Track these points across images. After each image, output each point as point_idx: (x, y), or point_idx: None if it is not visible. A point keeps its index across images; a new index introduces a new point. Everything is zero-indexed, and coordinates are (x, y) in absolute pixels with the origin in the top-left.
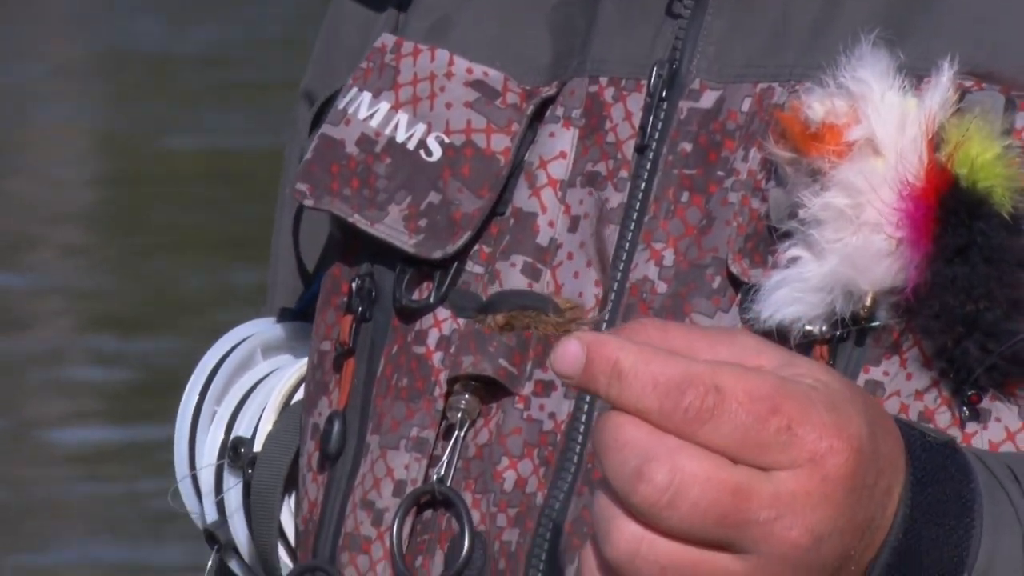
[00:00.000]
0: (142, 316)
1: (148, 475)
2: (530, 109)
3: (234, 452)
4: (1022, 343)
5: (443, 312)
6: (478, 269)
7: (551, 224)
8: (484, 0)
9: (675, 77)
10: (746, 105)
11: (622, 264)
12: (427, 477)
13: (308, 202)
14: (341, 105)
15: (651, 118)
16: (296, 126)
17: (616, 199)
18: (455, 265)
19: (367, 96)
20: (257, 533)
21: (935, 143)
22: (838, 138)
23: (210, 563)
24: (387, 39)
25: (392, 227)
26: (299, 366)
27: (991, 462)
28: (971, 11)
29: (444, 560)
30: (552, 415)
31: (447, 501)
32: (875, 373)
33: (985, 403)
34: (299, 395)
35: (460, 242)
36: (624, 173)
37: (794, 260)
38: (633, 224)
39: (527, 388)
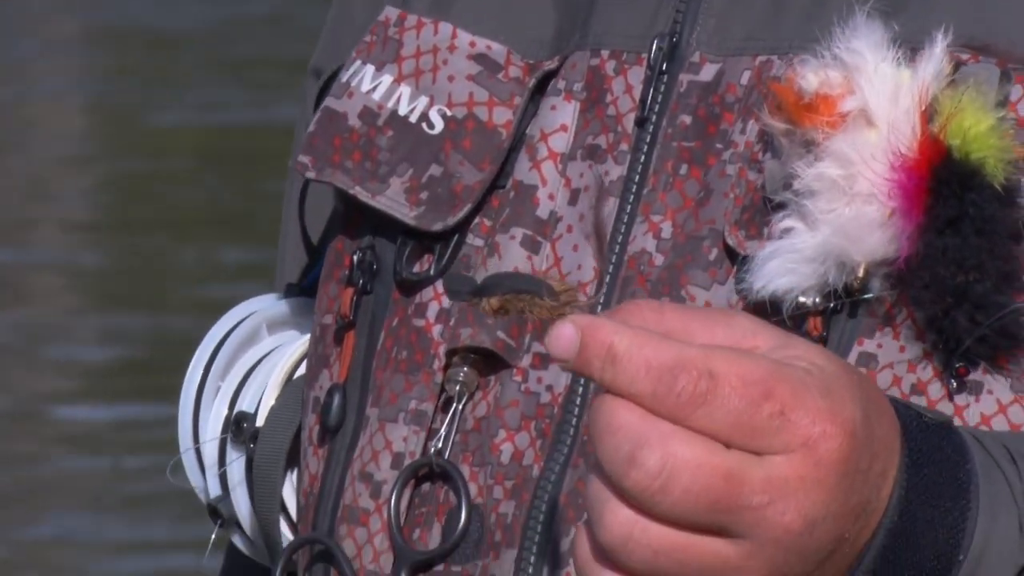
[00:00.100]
0: (133, 293)
1: (135, 452)
2: (532, 82)
3: (236, 427)
4: (1011, 316)
5: (443, 285)
6: (478, 242)
7: (551, 197)
8: None
9: (675, 50)
10: (745, 78)
11: (620, 237)
12: (425, 450)
13: (310, 174)
14: (344, 78)
15: (651, 91)
16: (305, 102)
17: (616, 172)
18: (456, 238)
19: (370, 69)
20: (259, 507)
21: (928, 114)
22: (832, 109)
23: (213, 537)
24: (391, 12)
25: (393, 199)
26: (303, 341)
27: (988, 442)
28: None
29: (441, 532)
30: (549, 387)
31: (445, 474)
32: (869, 345)
33: (977, 376)
34: (302, 370)
35: (460, 214)
36: (624, 146)
37: (787, 231)
38: (632, 197)
39: (525, 361)
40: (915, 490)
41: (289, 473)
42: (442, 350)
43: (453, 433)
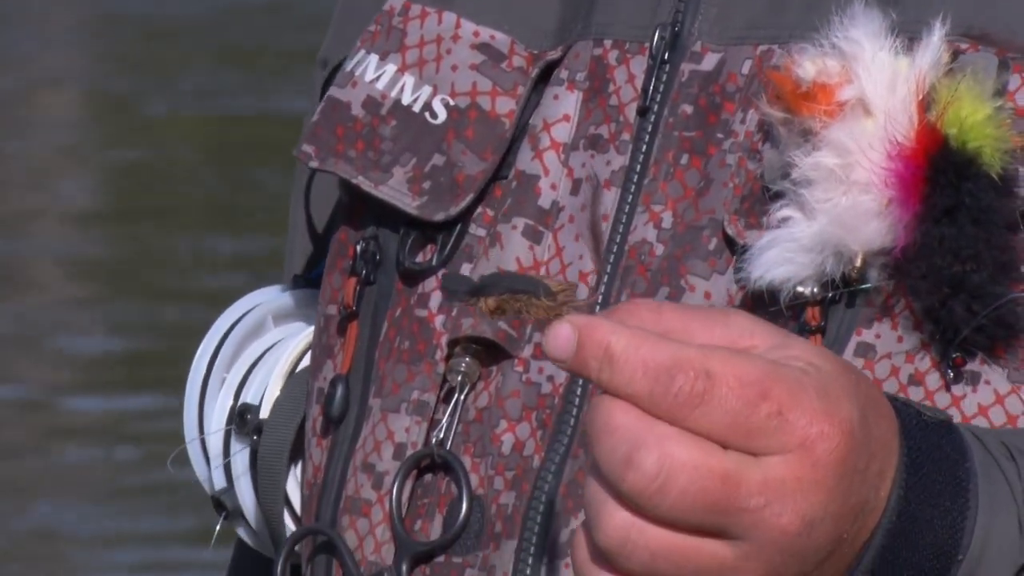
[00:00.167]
0: (132, 283)
1: (129, 443)
2: (535, 72)
3: (240, 419)
4: (1007, 305)
5: (440, 284)
6: (481, 232)
7: (553, 187)
8: None
9: (677, 39)
10: (746, 67)
11: (621, 227)
12: (427, 440)
13: (313, 164)
14: (349, 67)
15: (653, 81)
16: (313, 92)
17: (618, 162)
18: (458, 227)
19: (374, 58)
20: (263, 500)
21: (926, 103)
22: (829, 98)
23: (217, 529)
24: (395, 2)
25: (396, 189)
26: (307, 332)
27: (988, 440)
28: None
29: (443, 523)
30: (550, 378)
31: (446, 465)
32: (867, 335)
33: (975, 366)
34: (306, 361)
35: (462, 204)
36: (626, 136)
37: (785, 220)
38: (634, 187)
39: (526, 351)
40: (914, 490)
41: (293, 465)
42: (444, 340)
43: (455, 424)
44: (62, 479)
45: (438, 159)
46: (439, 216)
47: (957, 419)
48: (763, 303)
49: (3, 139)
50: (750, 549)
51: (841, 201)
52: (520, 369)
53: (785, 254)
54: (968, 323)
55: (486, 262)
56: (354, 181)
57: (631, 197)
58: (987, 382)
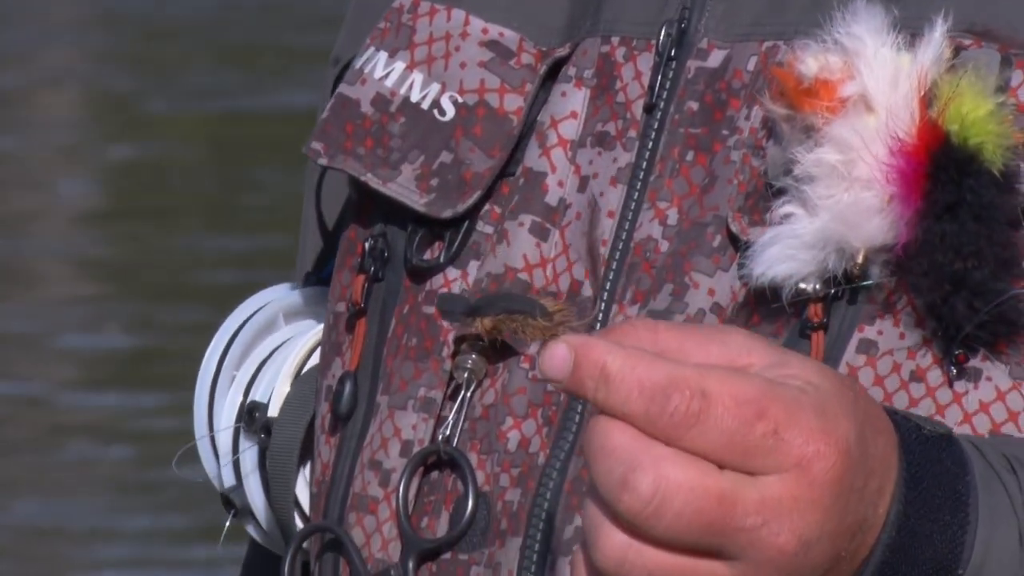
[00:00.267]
0: (131, 280)
1: (122, 441)
2: (543, 69)
3: (249, 417)
4: (1009, 302)
5: (453, 272)
6: (488, 229)
7: (560, 184)
8: None
9: (684, 36)
10: (751, 64)
11: (627, 224)
12: (434, 437)
13: (322, 161)
14: (358, 64)
15: (659, 77)
16: (325, 90)
17: (624, 159)
18: (465, 225)
19: (383, 55)
20: (274, 497)
21: (927, 100)
22: (831, 94)
23: (226, 526)
24: None
25: (404, 186)
26: (317, 331)
27: (988, 451)
28: None
29: (449, 520)
30: None
31: (452, 462)
32: (869, 332)
33: (976, 363)
34: (315, 359)
35: (470, 201)
36: (633, 133)
37: (787, 217)
38: (639, 183)
39: (533, 348)
40: (913, 505)
41: (302, 463)
42: (451, 337)
43: (461, 420)
44: (57, 476)
45: (446, 156)
46: (447, 213)
47: (959, 416)
48: (766, 300)
49: (3, 137)
50: (747, 569)
51: (843, 197)
52: (526, 366)
53: (787, 251)
54: (970, 320)
55: (493, 259)
56: (362, 178)
57: (637, 194)
58: (989, 378)
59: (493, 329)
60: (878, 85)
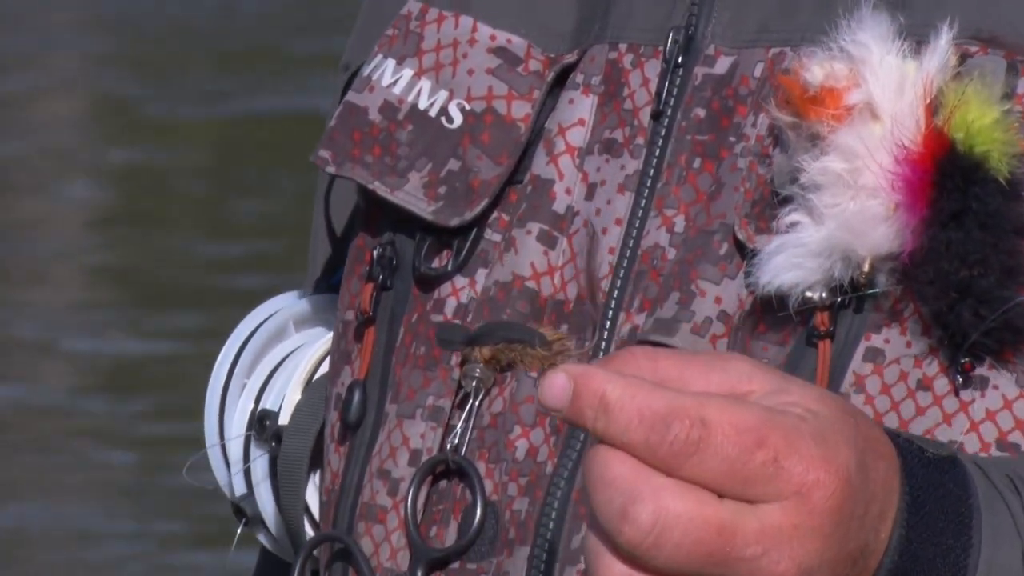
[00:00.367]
0: (133, 284)
1: (121, 446)
2: (551, 76)
3: (260, 425)
4: (1014, 309)
5: (461, 280)
6: (496, 237)
7: (568, 191)
8: None
9: (691, 43)
10: (758, 70)
11: (635, 231)
12: (443, 446)
13: (330, 169)
14: (366, 72)
15: (666, 84)
16: (336, 96)
17: (632, 166)
18: (473, 232)
19: (391, 63)
20: (284, 505)
21: (933, 107)
22: (837, 102)
23: (237, 535)
24: (413, 6)
25: (411, 194)
26: (327, 339)
27: (992, 471)
28: None
29: (457, 530)
30: None
31: (461, 471)
32: (876, 340)
33: (983, 371)
34: (325, 367)
35: (477, 209)
36: (640, 140)
37: (793, 225)
38: (647, 191)
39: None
40: (916, 529)
41: (312, 471)
42: None
43: (469, 429)
44: (57, 478)
45: (454, 164)
46: (454, 221)
47: (965, 424)
48: (772, 308)
49: (4, 141)
50: None
51: (849, 206)
52: (534, 375)
53: (793, 259)
54: (976, 328)
55: (501, 267)
56: (370, 186)
57: (644, 201)
58: (995, 387)
59: (492, 359)
60: (884, 93)
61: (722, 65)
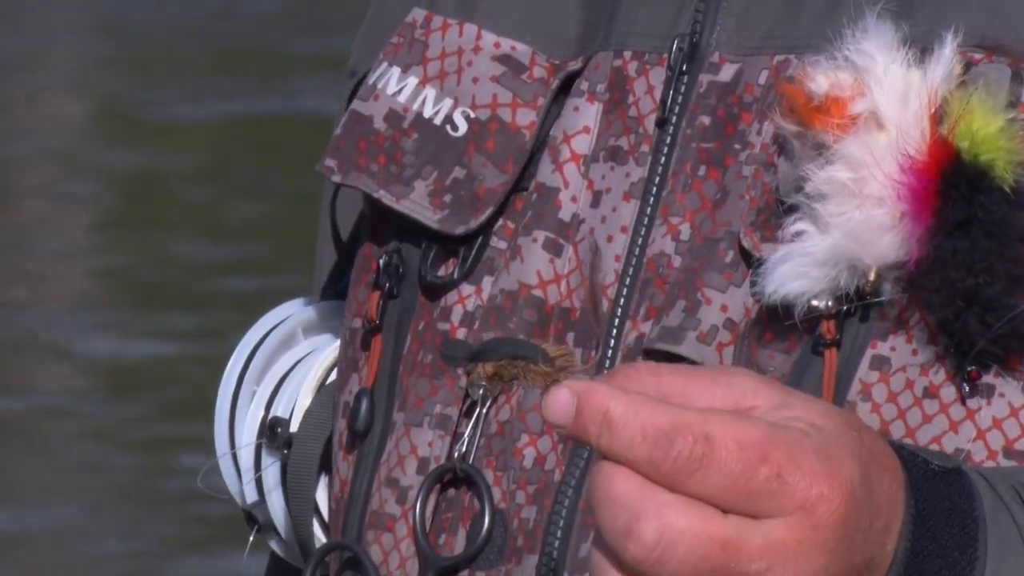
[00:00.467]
0: (135, 287)
1: (120, 449)
2: (556, 83)
3: (271, 432)
4: (1020, 317)
5: (467, 288)
6: (502, 244)
7: (574, 199)
8: None
9: (696, 50)
10: (763, 78)
11: (640, 239)
12: (450, 454)
13: (336, 178)
14: (371, 80)
15: (671, 92)
16: (342, 103)
17: (637, 174)
18: (479, 240)
19: (396, 71)
20: (293, 513)
21: (938, 116)
22: (842, 111)
23: (250, 541)
24: (418, 14)
25: (417, 203)
26: (336, 345)
27: (998, 483)
28: None
29: (466, 538)
30: None
31: (469, 479)
32: (882, 348)
33: (989, 379)
34: (336, 373)
35: (483, 217)
36: (645, 147)
37: (799, 234)
38: (652, 199)
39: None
40: (921, 542)
41: (322, 478)
42: None
43: (477, 437)
44: (56, 479)
45: (459, 172)
46: (460, 229)
47: (972, 432)
48: (778, 317)
49: (4, 142)
50: None
51: (854, 215)
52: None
53: (799, 268)
54: (982, 336)
55: (507, 275)
56: (376, 195)
57: (650, 209)
58: (1001, 395)
59: (495, 375)
60: (888, 102)
61: (727, 72)
